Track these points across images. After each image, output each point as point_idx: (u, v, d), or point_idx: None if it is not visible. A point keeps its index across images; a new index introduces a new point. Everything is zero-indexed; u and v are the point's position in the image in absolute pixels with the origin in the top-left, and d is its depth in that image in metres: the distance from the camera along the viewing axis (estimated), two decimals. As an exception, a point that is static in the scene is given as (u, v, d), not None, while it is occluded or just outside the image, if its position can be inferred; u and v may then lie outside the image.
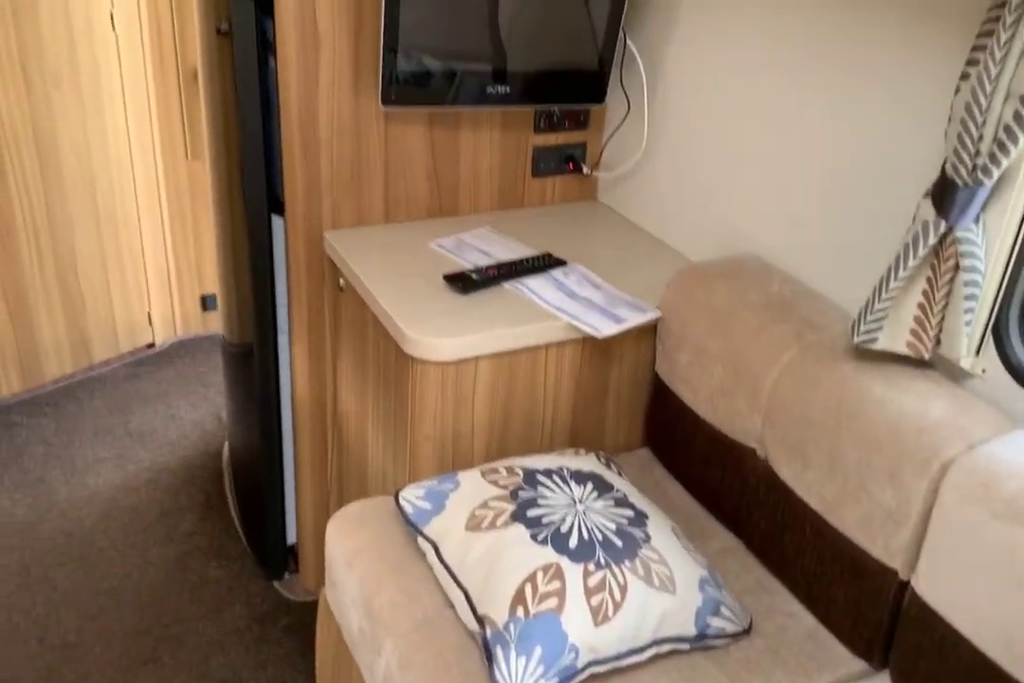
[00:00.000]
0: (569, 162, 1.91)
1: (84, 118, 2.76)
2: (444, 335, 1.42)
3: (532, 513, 1.25)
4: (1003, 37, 1.01)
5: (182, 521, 2.31)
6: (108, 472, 2.48)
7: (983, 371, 1.20)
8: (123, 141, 2.88)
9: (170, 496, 2.40)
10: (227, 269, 2.12)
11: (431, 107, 1.68)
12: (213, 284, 3.23)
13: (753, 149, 1.57)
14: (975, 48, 1.07)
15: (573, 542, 1.21)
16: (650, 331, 1.59)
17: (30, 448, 2.57)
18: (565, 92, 1.73)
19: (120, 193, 2.92)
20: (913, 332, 1.17)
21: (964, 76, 1.08)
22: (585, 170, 1.92)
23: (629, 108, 1.81)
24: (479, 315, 1.48)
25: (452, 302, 1.52)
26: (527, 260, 1.63)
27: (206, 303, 3.24)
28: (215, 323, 3.28)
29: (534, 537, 1.22)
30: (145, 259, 3.06)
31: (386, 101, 1.63)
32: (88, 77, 2.73)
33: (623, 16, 1.66)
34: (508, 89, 1.68)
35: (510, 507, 1.26)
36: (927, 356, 1.19)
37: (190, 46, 2.87)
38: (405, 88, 1.63)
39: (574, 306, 1.51)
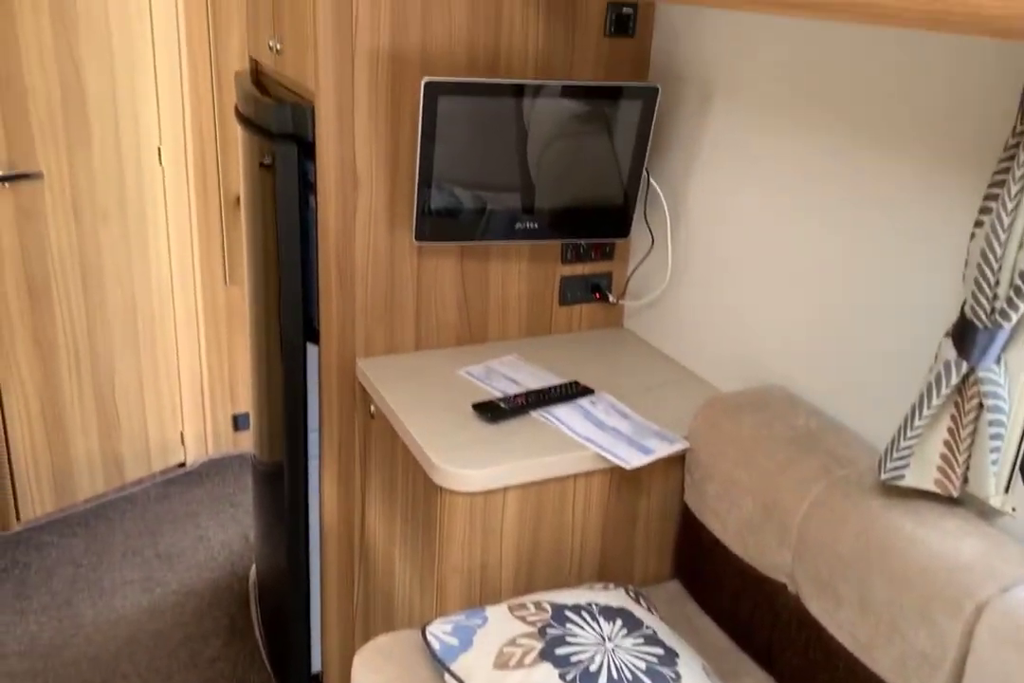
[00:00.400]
0: (595, 291, 1.96)
1: (129, 248, 2.89)
2: (472, 466, 1.44)
3: (561, 651, 1.24)
4: (1014, 189, 1.06)
5: (207, 646, 2.28)
6: (135, 595, 2.47)
7: (1013, 509, 1.20)
8: (165, 268, 3.00)
9: (196, 620, 2.37)
10: (260, 391, 2.17)
11: (462, 242, 1.76)
12: (245, 404, 3.29)
13: (775, 281, 1.62)
14: (987, 197, 1.12)
15: (603, 682, 1.19)
16: (678, 461, 1.60)
17: (60, 569, 2.57)
18: (591, 227, 1.80)
19: (160, 317, 3.02)
20: (940, 469, 1.18)
21: (978, 224, 1.13)
22: (611, 299, 1.98)
23: (653, 242, 1.88)
24: (507, 445, 1.50)
25: (480, 431, 1.55)
26: (555, 388, 1.66)
27: (237, 423, 3.29)
28: (246, 442, 3.32)
29: (563, 677, 1.20)
30: (181, 379, 3.14)
31: (420, 237, 1.71)
32: (134, 210, 2.87)
33: (646, 156, 1.75)
34: (536, 224, 1.75)
35: (538, 645, 1.25)
36: (955, 494, 1.19)
37: (231, 176, 3.03)
38: (438, 224, 1.71)
39: (602, 436, 1.53)
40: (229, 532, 2.78)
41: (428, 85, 1.58)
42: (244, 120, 1.99)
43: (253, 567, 2.59)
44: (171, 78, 2.85)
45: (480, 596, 1.53)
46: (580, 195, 1.77)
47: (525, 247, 1.89)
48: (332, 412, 1.86)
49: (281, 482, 2.07)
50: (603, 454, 1.48)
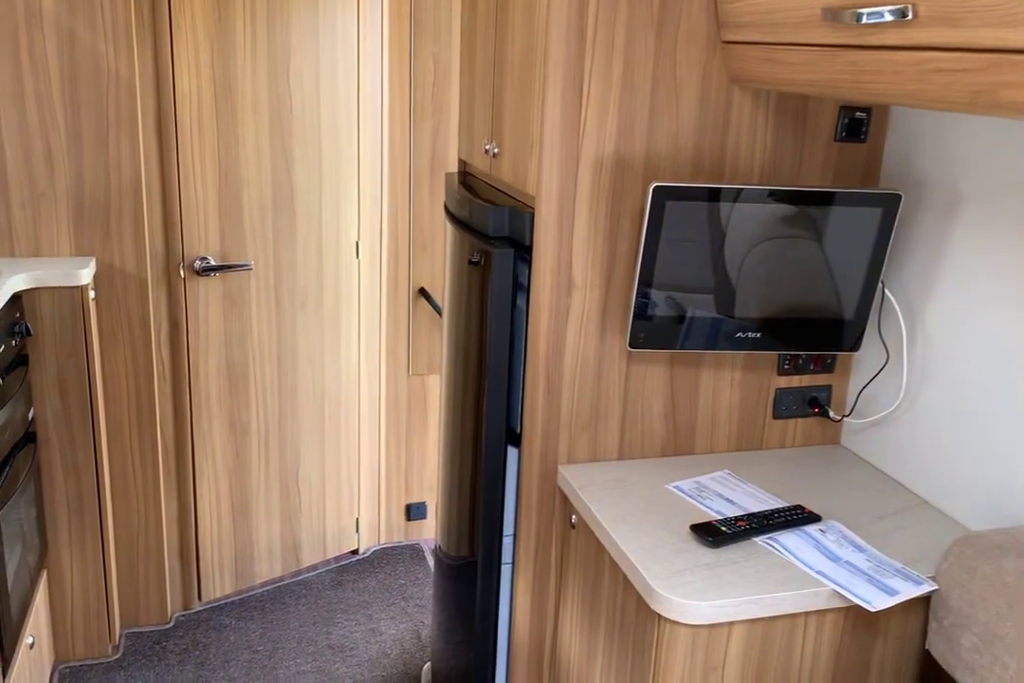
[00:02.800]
0: (814, 405, 1.85)
1: (322, 337, 2.97)
2: (698, 596, 1.33)
3: None
4: None
5: (378, 754, 2.21)
6: (308, 689, 2.44)
7: None
8: (354, 357, 3.07)
9: (367, 723, 2.31)
10: (450, 487, 2.14)
11: (681, 351, 1.69)
12: (418, 494, 3.28)
13: (1032, 407, 1.46)
14: None
15: None
16: (919, 603, 1.44)
17: (236, 654, 2.57)
18: (819, 339, 1.70)
19: (346, 405, 3.08)
20: None
21: None
22: (832, 415, 1.85)
23: (888, 357, 1.75)
24: (733, 575, 1.39)
25: (700, 556, 1.44)
26: (778, 512, 1.54)
27: (410, 512, 3.28)
28: (417, 532, 3.30)
29: None
30: (360, 468, 3.16)
31: (634, 344, 1.66)
32: (330, 300, 2.97)
33: (883, 266, 1.65)
34: (759, 335, 1.67)
35: None
36: None
37: (418, 270, 3.09)
38: (653, 331, 1.65)
39: (837, 571, 1.39)
40: (400, 627, 2.73)
41: (657, 190, 1.55)
42: (456, 220, 2.02)
43: (426, 667, 2.52)
44: (372, 178, 2.97)
45: (695, 740, 1.40)
46: (809, 305, 1.68)
47: (740, 356, 1.81)
48: (530, 519, 1.79)
49: (466, 580, 2.01)
50: (842, 592, 1.34)
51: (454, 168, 3.05)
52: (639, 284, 1.61)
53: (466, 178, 2.27)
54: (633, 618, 1.46)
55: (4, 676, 1.94)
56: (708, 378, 1.80)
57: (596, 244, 1.69)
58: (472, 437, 1.96)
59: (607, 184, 1.66)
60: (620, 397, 1.77)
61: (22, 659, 2.11)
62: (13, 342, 2.25)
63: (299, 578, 3.01)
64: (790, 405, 1.85)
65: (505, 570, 1.88)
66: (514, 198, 1.85)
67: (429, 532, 3.30)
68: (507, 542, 1.86)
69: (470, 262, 1.99)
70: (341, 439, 3.10)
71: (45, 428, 2.45)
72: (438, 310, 3.11)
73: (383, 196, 3.01)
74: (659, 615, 1.36)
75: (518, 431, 1.82)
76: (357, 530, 3.20)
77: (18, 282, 2.30)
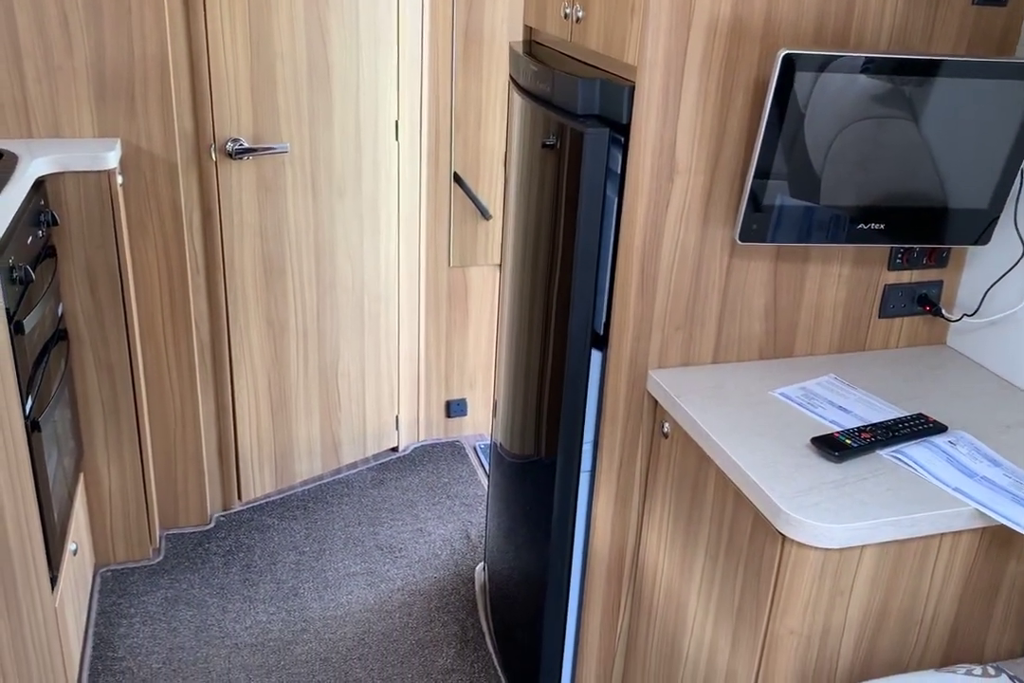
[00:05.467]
0: (925, 304, 1.69)
1: (361, 226, 2.79)
2: (831, 518, 1.21)
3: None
4: None
5: (439, 656, 2.16)
6: (360, 590, 2.38)
7: None
8: (393, 248, 2.90)
9: (424, 625, 2.26)
10: (517, 387, 2.00)
11: (793, 244, 1.52)
12: (458, 391, 3.17)
13: None
14: None
15: None
16: (1061, 521, 1.32)
17: (283, 555, 2.51)
18: (944, 231, 1.53)
19: (385, 299, 2.93)
20: None
21: None
22: (946, 314, 1.70)
23: None
24: (863, 494, 1.27)
25: (825, 472, 1.32)
26: (902, 422, 1.41)
27: (450, 409, 3.18)
28: (457, 429, 3.21)
29: None
30: (400, 364, 3.04)
31: (745, 237, 1.49)
32: (369, 186, 2.77)
33: (1026, 151, 1.46)
34: (883, 226, 1.50)
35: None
36: None
37: (459, 153, 2.88)
38: (768, 222, 1.48)
39: (977, 489, 1.27)
40: (448, 526, 2.66)
41: (787, 59, 1.34)
42: (531, 96, 1.81)
43: (479, 568, 2.46)
44: (412, 49, 2.72)
45: (815, 664, 1.31)
46: (939, 193, 1.50)
47: (849, 250, 1.64)
48: (615, 426, 1.67)
49: (533, 483, 1.91)
50: (988, 513, 1.22)
51: (501, 36, 2.79)
52: (757, 169, 1.43)
53: (531, 48, 2.04)
54: (746, 538, 1.35)
55: (53, 588, 1.86)
56: (814, 274, 1.64)
57: (704, 123, 1.49)
58: (545, 336, 1.82)
59: (720, 52, 1.45)
60: (719, 294, 1.61)
61: (67, 567, 2.03)
62: (40, 232, 2.07)
63: (339, 476, 2.93)
64: (898, 303, 1.69)
65: (583, 478, 1.76)
66: (602, 69, 1.64)
67: (469, 429, 3.21)
68: (587, 449, 1.75)
69: (544, 145, 1.79)
70: (380, 334, 2.96)
71: (76, 325, 2.30)
72: (473, 198, 2.91)
73: (423, 72, 2.76)
74: (784, 536, 1.25)
75: (601, 332, 1.67)
76: (397, 427, 3.10)
77: (41, 166, 2.10)
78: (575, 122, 1.58)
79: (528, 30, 2.08)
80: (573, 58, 1.79)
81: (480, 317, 3.10)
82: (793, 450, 1.37)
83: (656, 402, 1.63)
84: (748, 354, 1.67)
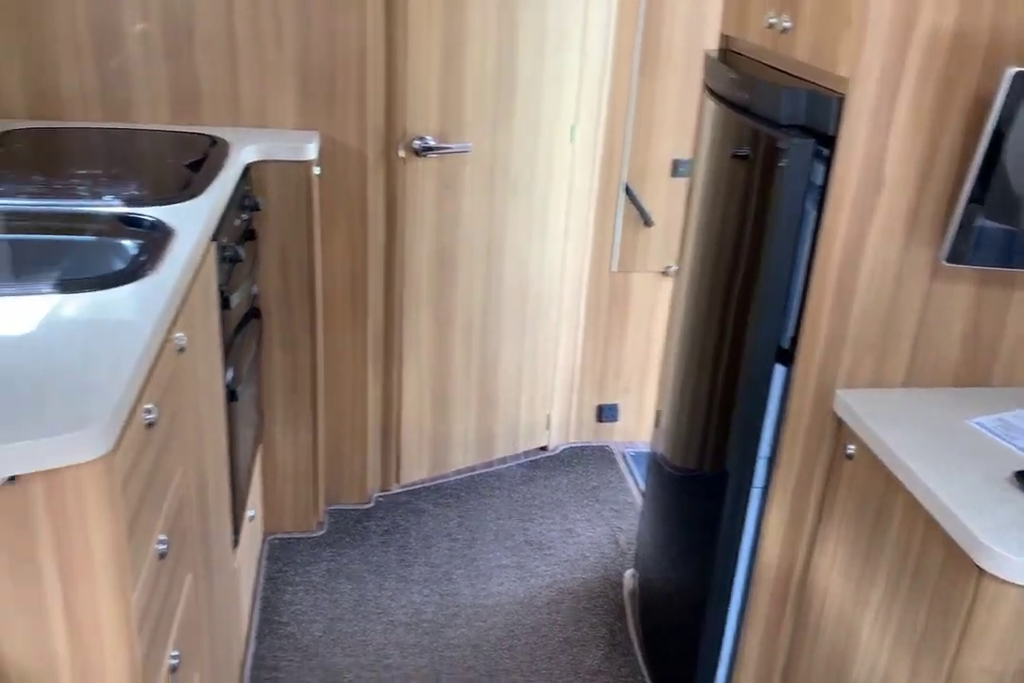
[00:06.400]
0: None
1: (530, 227, 2.84)
2: (1036, 555, 1.16)
3: None
4: None
5: (586, 656, 2.18)
6: (510, 582, 2.43)
7: None
8: (559, 250, 2.93)
9: (572, 623, 2.28)
10: (687, 396, 2.00)
11: (1002, 269, 1.46)
12: (611, 396, 3.18)
13: None
14: None
15: None
16: None
17: (436, 541, 2.59)
18: None
19: (548, 299, 2.97)
20: None
21: None
22: None
23: None
24: (1070, 532, 1.21)
25: (1028, 507, 1.26)
26: (1115, 464, 1.34)
27: (602, 413, 3.19)
28: (607, 434, 3.22)
29: None
30: (556, 364, 3.07)
31: (954, 258, 1.44)
32: (541, 187, 2.81)
33: None
34: (1110, 256, 1.42)
35: None
36: None
37: (632, 159, 2.89)
38: (982, 244, 1.42)
39: None
40: (597, 530, 2.68)
41: (1017, 77, 1.29)
42: (729, 104, 1.80)
43: (628, 574, 2.47)
44: (594, 56, 2.75)
45: (1002, 706, 1.26)
46: None
47: (1062, 277, 1.56)
48: (795, 444, 1.64)
49: (696, 496, 1.91)
50: None
51: (680, 45, 2.78)
52: (972, 188, 1.38)
53: (726, 56, 2.03)
54: (936, 569, 1.31)
55: (235, 546, 1.98)
56: (1020, 301, 1.57)
57: (915, 138, 1.45)
58: (721, 348, 1.81)
59: (938, 65, 1.41)
60: (916, 316, 1.56)
61: (244, 530, 2.15)
62: (244, 216, 2.21)
63: (491, 470, 2.99)
64: (1113, 338, 1.60)
65: (753, 494, 1.75)
66: (804, 79, 1.62)
67: (619, 435, 3.22)
68: (760, 465, 1.73)
69: (735, 155, 1.78)
70: (540, 333, 3.01)
71: (267, 304, 2.44)
72: (637, 204, 2.91)
73: (604, 78, 2.78)
74: (981, 570, 1.20)
75: (786, 347, 1.65)
76: (548, 427, 3.14)
77: (248, 154, 2.24)
78: (776, 132, 1.57)
79: (724, 38, 2.07)
80: (771, 67, 1.77)
81: (639, 323, 3.10)
82: (991, 482, 1.32)
83: (840, 422, 1.59)
84: (941, 380, 1.62)
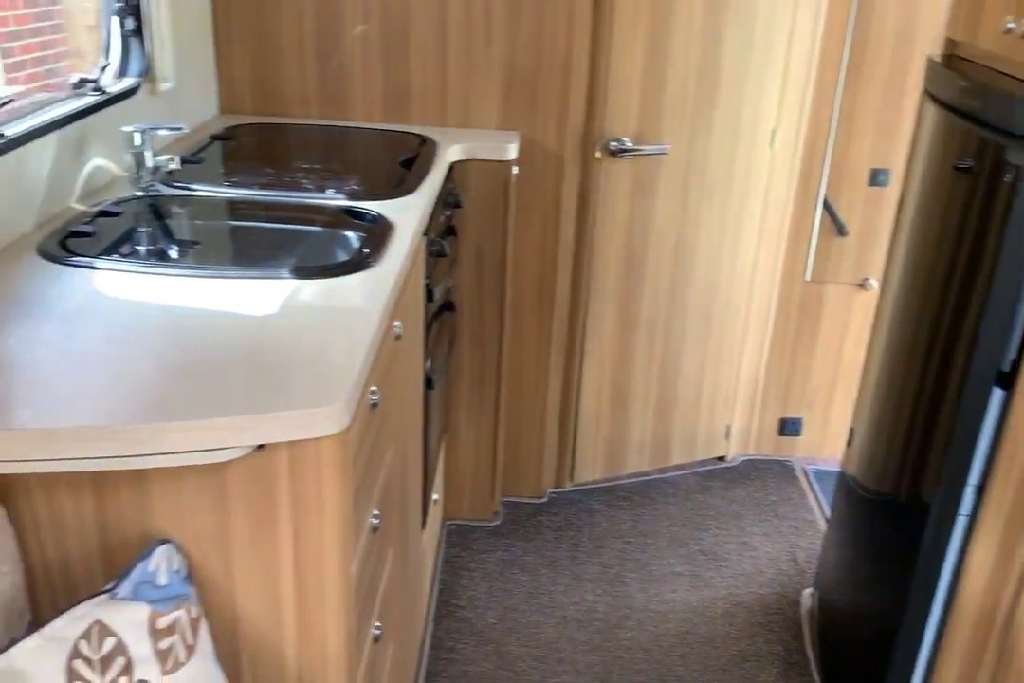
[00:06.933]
0: None
1: (723, 231, 2.80)
2: None
3: None
4: None
5: (761, 672, 2.13)
6: (683, 590, 2.41)
7: None
8: (750, 256, 2.88)
9: (746, 636, 2.24)
10: (888, 416, 1.92)
11: None
12: (795, 409, 3.09)
13: None
14: None
15: None
16: None
17: (609, 542, 2.60)
18: None
19: (735, 306, 2.91)
20: None
21: None
22: None
23: None
24: None
25: None
26: None
27: (784, 427, 3.10)
28: (788, 448, 3.13)
29: None
30: (739, 373, 3.02)
31: None
32: (737, 192, 2.77)
33: None
34: None
35: None
36: None
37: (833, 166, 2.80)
38: None
39: None
40: (775, 546, 2.62)
41: None
42: (956, 113, 1.72)
43: (807, 593, 2.39)
44: (800, 61, 2.68)
45: None
46: None
47: None
48: (1010, 472, 1.55)
49: (890, 519, 1.83)
50: None
51: (890, 52, 2.67)
52: None
53: (951, 61, 1.94)
54: None
55: (424, 522, 2.06)
56: None
57: None
58: (928, 368, 1.73)
59: None
60: None
61: (430, 513, 2.23)
62: (447, 213, 2.29)
63: (665, 476, 2.97)
64: None
65: (958, 522, 1.66)
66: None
67: (802, 450, 3.12)
68: (968, 492, 1.64)
69: (956, 168, 1.70)
70: (724, 341, 2.96)
71: (460, 298, 2.51)
72: (832, 213, 2.81)
73: (808, 82, 2.71)
74: None
75: (1006, 370, 1.56)
76: (727, 436, 3.09)
77: (454, 153, 2.32)
78: (1013, 142, 1.48)
79: (949, 42, 1.98)
80: (1005, 74, 1.67)
81: (830, 336, 2.99)
82: None
83: (1065, 450, 1.49)
84: None
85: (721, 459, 3.09)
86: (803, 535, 2.66)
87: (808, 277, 2.94)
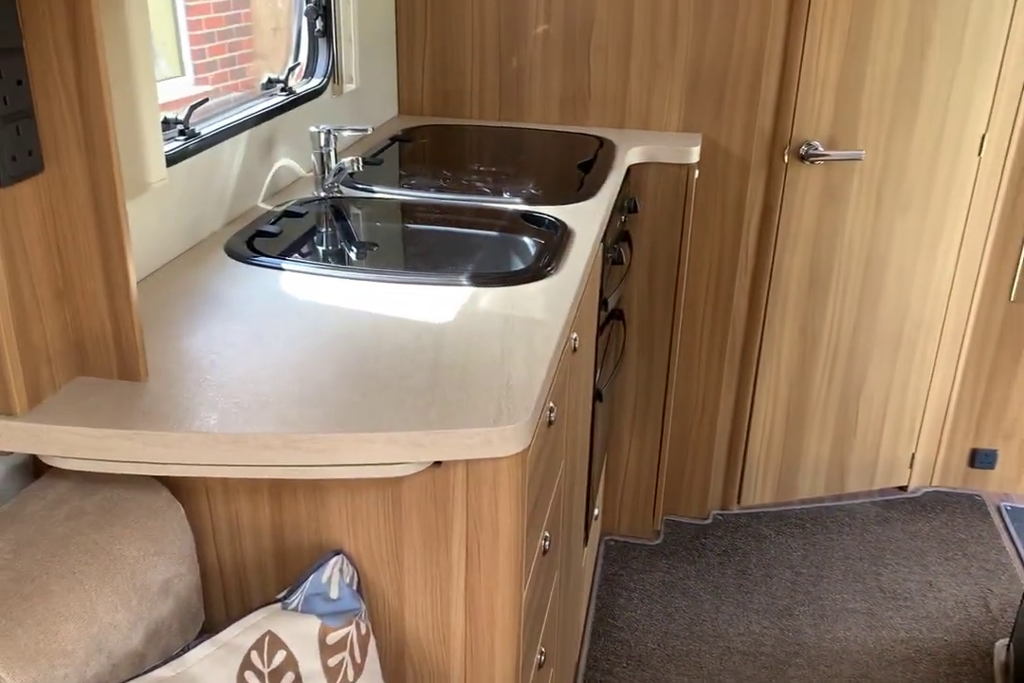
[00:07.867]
0: None
1: (918, 245, 2.58)
2: None
3: None
4: None
5: (945, 730, 1.95)
6: (859, 629, 2.23)
7: None
8: (948, 273, 2.65)
9: (929, 689, 2.05)
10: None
11: None
12: (989, 440, 2.83)
13: None
14: None
15: None
16: None
17: (778, 571, 2.44)
18: None
19: (927, 326, 2.69)
20: None
21: None
22: None
23: None
24: None
25: None
26: None
27: (975, 458, 2.85)
28: (979, 482, 2.87)
29: None
30: (928, 398, 2.79)
31: None
32: (937, 203, 2.55)
33: None
34: None
35: None
36: None
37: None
38: None
39: None
40: (963, 589, 2.39)
41: None
42: None
43: (1000, 645, 2.17)
44: (1017, 63, 2.44)
45: None
46: None
47: None
48: None
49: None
50: None
51: None
52: None
53: None
54: None
55: (586, 539, 1.99)
56: None
57: None
58: None
59: None
60: None
61: (591, 529, 2.16)
62: (623, 218, 2.20)
63: (840, 503, 2.78)
64: None
65: None
66: None
67: (995, 485, 2.86)
68: None
69: None
70: (914, 363, 2.74)
71: (630, 306, 2.42)
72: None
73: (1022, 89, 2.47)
74: None
75: None
76: (911, 465, 2.86)
77: (633, 156, 2.23)
78: None
79: None
80: None
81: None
82: None
83: None
84: None
85: (902, 489, 2.87)
86: (997, 579, 2.42)
87: (1013, 298, 2.68)
